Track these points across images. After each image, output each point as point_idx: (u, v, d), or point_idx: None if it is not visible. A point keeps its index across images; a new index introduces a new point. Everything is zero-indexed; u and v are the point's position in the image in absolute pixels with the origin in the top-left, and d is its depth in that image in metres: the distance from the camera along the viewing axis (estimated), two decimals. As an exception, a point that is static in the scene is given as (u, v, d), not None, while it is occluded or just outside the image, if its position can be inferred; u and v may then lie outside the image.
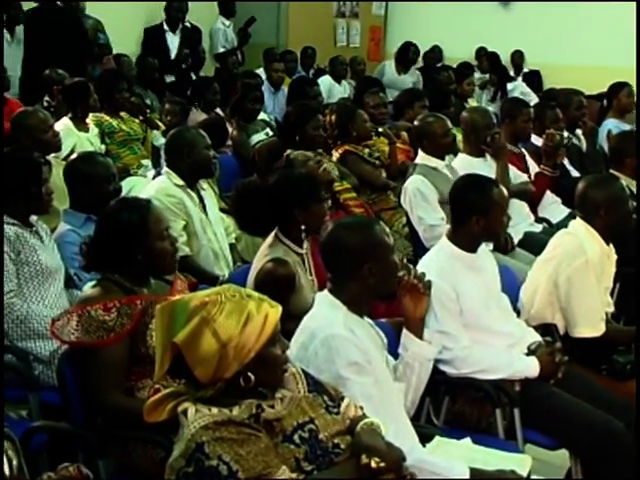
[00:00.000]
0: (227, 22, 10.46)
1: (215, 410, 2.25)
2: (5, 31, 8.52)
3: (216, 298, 2.31)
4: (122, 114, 6.59)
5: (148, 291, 3.10)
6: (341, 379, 2.69)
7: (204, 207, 4.64)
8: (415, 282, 3.06)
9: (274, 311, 2.33)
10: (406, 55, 10.86)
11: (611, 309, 4.14)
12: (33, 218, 3.82)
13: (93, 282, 3.24)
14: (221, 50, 10.31)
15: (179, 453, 2.22)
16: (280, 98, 9.18)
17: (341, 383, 2.67)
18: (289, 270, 3.69)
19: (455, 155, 5.60)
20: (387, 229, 2.94)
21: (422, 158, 5.30)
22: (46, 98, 6.97)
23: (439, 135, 5.28)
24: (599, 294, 3.91)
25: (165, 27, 9.57)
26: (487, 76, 10.38)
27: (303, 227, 3.80)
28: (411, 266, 3.18)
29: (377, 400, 2.73)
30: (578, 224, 3.99)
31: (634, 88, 7.71)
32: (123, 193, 4.48)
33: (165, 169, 4.70)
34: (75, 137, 5.89)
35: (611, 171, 5.34)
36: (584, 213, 3.97)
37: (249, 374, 2.29)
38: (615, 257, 4.10)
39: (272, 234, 3.85)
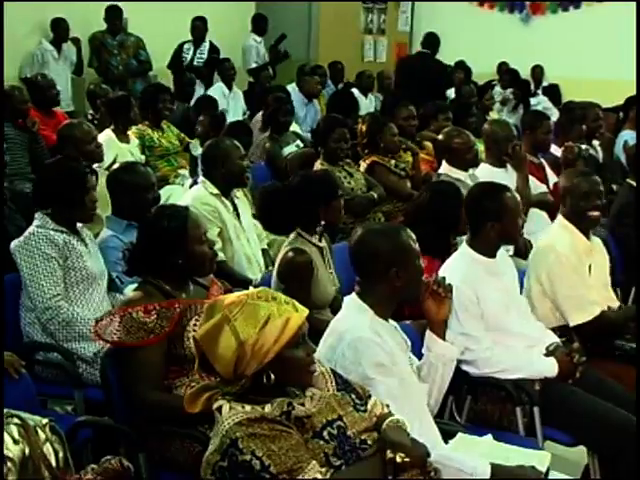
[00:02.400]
0: (259, 39, 10.70)
1: (248, 407, 2.31)
2: (52, 48, 8.80)
3: (241, 299, 2.36)
4: (163, 124, 6.73)
5: (186, 296, 3.19)
6: (368, 379, 2.74)
7: (238, 215, 4.75)
8: (436, 287, 3.10)
9: (298, 315, 2.36)
10: None
11: (615, 304, 4.24)
12: (79, 225, 3.94)
13: (134, 285, 3.35)
14: (253, 65, 10.52)
15: (214, 448, 2.28)
16: (311, 110, 9.38)
17: (368, 383, 2.72)
18: (307, 257, 3.86)
19: (477, 166, 5.70)
20: (413, 235, 3.00)
21: (446, 169, 5.41)
22: (90, 111, 7.16)
23: (462, 151, 5.40)
24: (581, 281, 4.01)
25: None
26: (507, 92, 10.47)
27: (323, 222, 3.98)
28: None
29: (402, 399, 2.78)
30: (556, 222, 4.20)
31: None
32: (161, 201, 4.59)
33: (201, 178, 4.82)
34: (117, 148, 6.00)
35: (628, 180, 5.42)
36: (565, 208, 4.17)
37: (270, 373, 2.34)
38: (604, 252, 4.28)
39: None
